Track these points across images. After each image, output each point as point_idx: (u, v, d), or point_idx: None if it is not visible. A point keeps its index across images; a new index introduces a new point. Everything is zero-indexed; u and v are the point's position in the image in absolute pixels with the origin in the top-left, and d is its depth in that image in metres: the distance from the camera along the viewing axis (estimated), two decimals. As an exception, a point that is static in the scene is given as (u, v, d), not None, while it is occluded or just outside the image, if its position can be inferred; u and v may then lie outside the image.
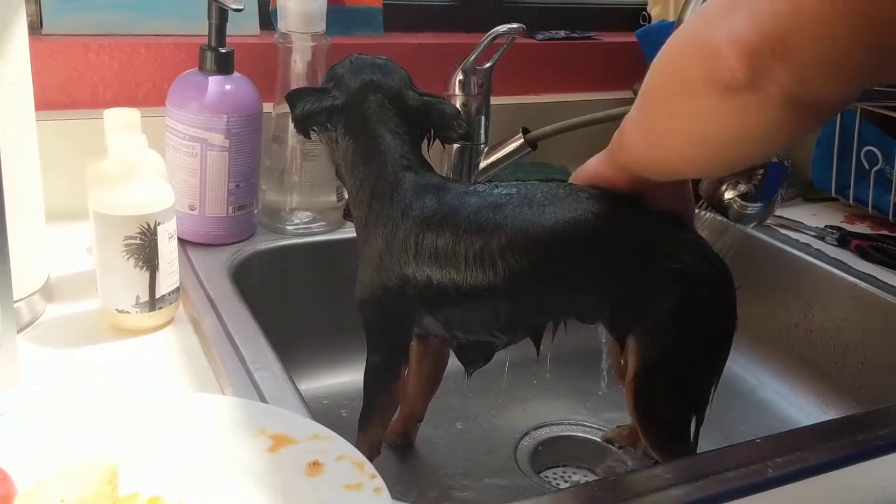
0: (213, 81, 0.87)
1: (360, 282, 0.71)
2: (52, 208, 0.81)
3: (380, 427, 0.75)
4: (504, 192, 0.69)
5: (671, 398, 0.71)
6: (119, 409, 0.60)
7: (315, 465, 0.55)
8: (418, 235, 0.67)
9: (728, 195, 0.87)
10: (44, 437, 0.57)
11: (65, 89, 0.99)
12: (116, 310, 0.75)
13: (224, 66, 0.88)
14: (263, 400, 0.66)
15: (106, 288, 0.75)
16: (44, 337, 0.75)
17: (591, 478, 0.89)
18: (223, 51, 0.88)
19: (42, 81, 0.94)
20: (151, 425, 0.59)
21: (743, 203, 0.90)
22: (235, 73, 0.90)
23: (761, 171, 0.88)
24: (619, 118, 0.99)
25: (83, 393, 0.67)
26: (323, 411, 0.93)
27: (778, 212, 1.07)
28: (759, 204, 0.88)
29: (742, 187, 0.88)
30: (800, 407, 0.99)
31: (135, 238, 0.72)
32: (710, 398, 0.72)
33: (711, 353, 0.71)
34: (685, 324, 0.68)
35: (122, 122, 0.74)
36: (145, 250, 0.73)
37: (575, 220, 0.67)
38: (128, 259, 0.73)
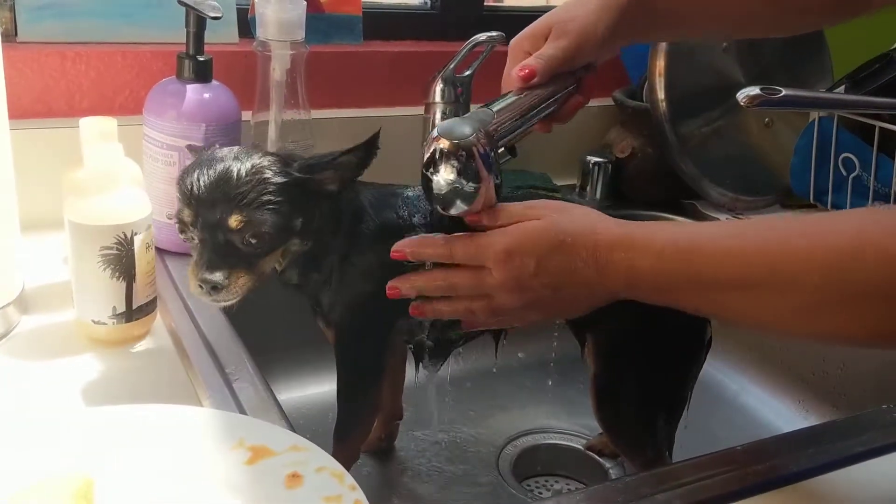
0: (191, 90, 0.87)
1: (343, 303, 0.70)
2: (27, 218, 0.80)
3: (361, 436, 0.75)
4: None
5: (633, 397, 0.70)
6: (95, 422, 0.60)
7: (294, 477, 0.55)
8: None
9: None
10: (18, 450, 0.56)
11: (40, 97, 0.97)
12: (93, 321, 0.74)
13: (202, 74, 0.88)
14: (242, 411, 0.65)
15: (82, 299, 0.74)
16: (18, 349, 0.73)
17: (574, 486, 0.89)
18: (201, 59, 0.87)
19: (17, 90, 0.93)
20: (128, 438, 0.58)
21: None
22: (214, 82, 0.89)
23: None
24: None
25: (58, 406, 0.66)
26: (304, 421, 0.92)
27: (756, 218, 1.08)
28: None
29: None
30: (780, 413, 1.00)
31: (111, 248, 0.71)
32: (686, 403, 0.71)
33: (675, 352, 0.71)
34: (637, 317, 0.68)
35: (98, 131, 0.73)
36: (122, 260, 0.72)
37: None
38: (104, 269, 0.72)
